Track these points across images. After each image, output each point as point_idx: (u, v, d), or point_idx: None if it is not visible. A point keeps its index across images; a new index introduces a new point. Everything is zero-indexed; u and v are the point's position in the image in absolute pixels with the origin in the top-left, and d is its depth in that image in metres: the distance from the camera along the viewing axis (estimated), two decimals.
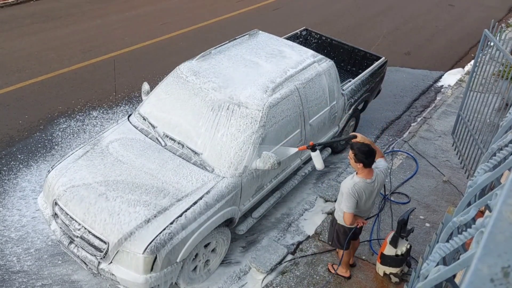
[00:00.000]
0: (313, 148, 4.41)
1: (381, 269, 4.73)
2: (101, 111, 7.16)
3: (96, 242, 4.04)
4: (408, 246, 4.59)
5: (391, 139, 7.35)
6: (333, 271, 4.82)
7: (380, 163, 4.17)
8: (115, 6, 11.06)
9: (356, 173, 4.02)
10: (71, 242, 4.22)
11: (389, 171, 4.31)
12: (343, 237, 4.31)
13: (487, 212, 1.96)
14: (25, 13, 10.16)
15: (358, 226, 4.26)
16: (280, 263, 4.90)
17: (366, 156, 3.84)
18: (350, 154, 3.95)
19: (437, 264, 1.31)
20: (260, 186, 4.97)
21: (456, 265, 1.07)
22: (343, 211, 4.03)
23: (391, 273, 4.68)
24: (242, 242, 5.24)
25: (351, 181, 3.97)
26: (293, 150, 4.69)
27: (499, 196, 0.71)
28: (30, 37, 9.07)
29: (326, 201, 5.90)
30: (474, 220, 1.44)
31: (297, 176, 5.79)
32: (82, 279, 4.62)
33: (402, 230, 4.52)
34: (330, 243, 4.55)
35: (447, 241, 1.43)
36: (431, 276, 1.15)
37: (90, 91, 7.60)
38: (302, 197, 5.98)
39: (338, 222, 4.27)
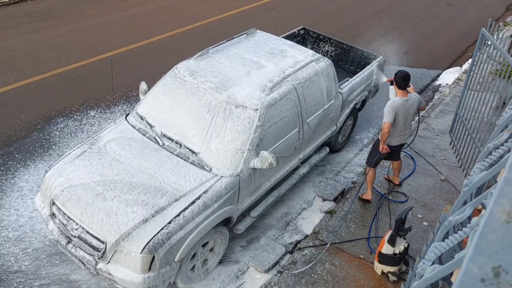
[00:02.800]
0: (392, 83, 5.68)
1: (379, 267, 4.74)
2: (98, 111, 7.15)
3: (94, 242, 4.03)
4: (406, 245, 4.60)
5: None
6: (361, 198, 5.80)
7: (413, 95, 5.44)
8: (113, 5, 11.04)
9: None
10: (68, 242, 4.22)
11: (421, 99, 5.56)
12: (374, 155, 5.55)
13: (483, 211, 1.97)
14: (22, 12, 10.14)
15: (382, 152, 5.40)
16: (278, 262, 4.91)
17: (401, 79, 5.23)
18: (392, 85, 5.46)
19: (433, 263, 1.31)
20: (258, 185, 4.97)
21: (451, 264, 1.07)
22: (384, 122, 5.23)
23: (389, 272, 4.69)
24: (241, 241, 5.24)
25: (391, 100, 5.28)
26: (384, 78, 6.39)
27: (492, 196, 0.71)
28: (27, 36, 9.05)
29: (324, 200, 5.91)
30: (470, 219, 1.44)
31: (295, 175, 5.79)
32: (81, 279, 4.62)
33: (400, 229, 4.54)
34: (366, 161, 5.80)
35: (443, 240, 1.44)
36: (427, 275, 1.15)
37: (87, 91, 7.59)
38: (300, 196, 5.99)
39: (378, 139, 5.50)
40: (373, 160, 5.59)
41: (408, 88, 5.36)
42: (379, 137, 5.46)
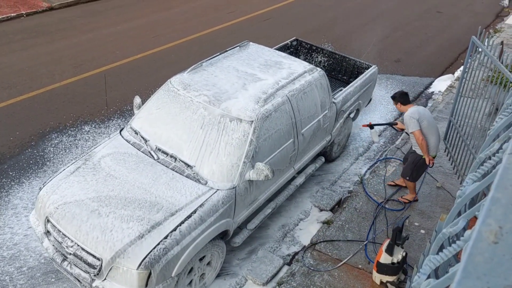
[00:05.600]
0: (371, 127, 6.09)
1: (378, 277, 4.71)
2: (93, 126, 7.14)
3: (90, 259, 3.99)
4: (404, 254, 4.59)
5: (384, 146, 7.38)
6: (406, 201, 5.91)
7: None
8: (106, 20, 11.08)
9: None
10: (64, 260, 4.17)
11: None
12: (421, 171, 5.61)
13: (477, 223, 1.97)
14: (14, 29, 10.15)
15: (430, 164, 5.42)
16: (276, 274, 4.87)
17: (403, 96, 5.50)
18: (396, 106, 5.61)
19: (428, 277, 1.31)
20: (255, 197, 4.95)
21: (445, 279, 1.06)
22: (413, 133, 5.26)
23: (387, 282, 4.66)
24: (238, 254, 5.20)
25: (407, 112, 5.36)
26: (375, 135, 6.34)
27: (479, 215, 0.70)
28: (20, 53, 9.06)
29: (321, 210, 5.90)
30: (464, 230, 1.44)
31: (291, 186, 5.79)
32: None
33: (397, 237, 4.52)
34: (407, 178, 5.69)
35: (438, 252, 1.43)
36: None
37: (81, 106, 7.58)
38: (297, 206, 5.97)
39: (418, 154, 5.47)
40: (420, 175, 5.75)
41: (396, 106, 5.63)
42: (416, 151, 5.46)
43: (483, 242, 0.67)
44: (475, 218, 2.99)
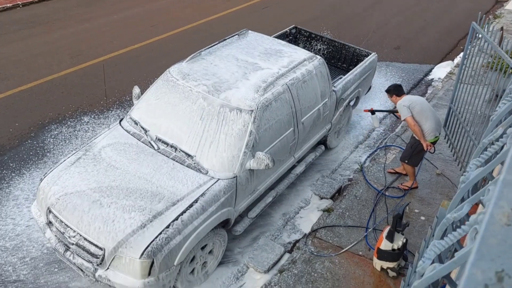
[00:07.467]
0: (372, 112, 6.17)
1: (378, 264, 4.75)
2: (92, 116, 7.12)
3: (92, 249, 4.01)
4: (404, 240, 4.62)
5: (383, 134, 7.38)
6: (406, 188, 5.90)
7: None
8: (102, 9, 10.98)
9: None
10: (66, 250, 4.19)
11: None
12: (420, 155, 5.64)
13: (479, 207, 1.98)
14: (11, 19, 10.05)
15: (429, 150, 5.44)
16: (277, 262, 4.91)
17: (397, 88, 5.61)
18: (391, 99, 5.70)
19: (433, 262, 1.32)
20: (255, 186, 4.97)
21: (451, 263, 1.07)
22: (405, 120, 5.34)
23: (388, 268, 4.71)
24: (239, 242, 5.23)
25: (399, 101, 5.46)
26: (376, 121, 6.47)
27: (491, 198, 0.71)
28: (17, 44, 8.98)
29: (322, 198, 5.92)
30: (468, 216, 1.44)
31: (291, 175, 5.80)
32: (80, 286, 4.59)
33: (398, 224, 4.55)
34: (406, 161, 5.72)
35: (442, 237, 1.44)
36: (427, 274, 1.15)
37: (80, 96, 7.54)
38: (297, 195, 5.99)
39: (416, 139, 5.48)
40: (419, 161, 5.78)
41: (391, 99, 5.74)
42: (415, 136, 5.50)
43: (495, 225, 0.67)
44: (476, 205, 3.01)
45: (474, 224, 1.02)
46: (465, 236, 1.33)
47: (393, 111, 6.19)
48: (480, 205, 1.76)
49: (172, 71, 5.18)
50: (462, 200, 1.70)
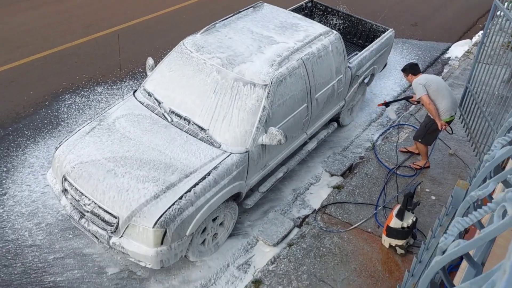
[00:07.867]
0: (386, 105, 6.12)
1: (387, 241, 4.80)
2: (105, 87, 7.13)
3: (107, 217, 4.10)
4: (414, 219, 4.64)
5: (397, 113, 7.31)
6: (418, 167, 5.90)
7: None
8: None
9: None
10: (81, 217, 4.29)
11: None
12: (434, 134, 5.63)
13: (500, 185, 1.97)
14: None
15: (442, 128, 5.41)
16: (286, 235, 4.98)
17: (413, 66, 5.55)
18: (407, 78, 5.63)
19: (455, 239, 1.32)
20: (267, 161, 4.99)
21: (476, 239, 1.07)
22: (420, 97, 5.31)
23: (396, 245, 4.75)
24: (250, 216, 5.30)
25: (415, 79, 5.41)
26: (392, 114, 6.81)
27: None
28: (31, 12, 8.94)
29: (332, 175, 5.93)
30: (490, 195, 1.44)
31: (303, 151, 5.80)
32: (94, 253, 4.72)
33: (408, 203, 4.56)
34: (419, 140, 5.70)
35: (465, 215, 1.44)
36: (451, 250, 1.16)
37: (93, 67, 7.54)
38: (308, 171, 6.01)
39: (431, 118, 5.45)
40: (433, 140, 5.80)
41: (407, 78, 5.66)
42: (430, 115, 5.47)
43: None
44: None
45: (502, 202, 1.02)
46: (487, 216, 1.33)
47: (407, 98, 6.17)
48: (500, 184, 1.75)
49: (186, 43, 5.14)
50: (485, 179, 1.69)
